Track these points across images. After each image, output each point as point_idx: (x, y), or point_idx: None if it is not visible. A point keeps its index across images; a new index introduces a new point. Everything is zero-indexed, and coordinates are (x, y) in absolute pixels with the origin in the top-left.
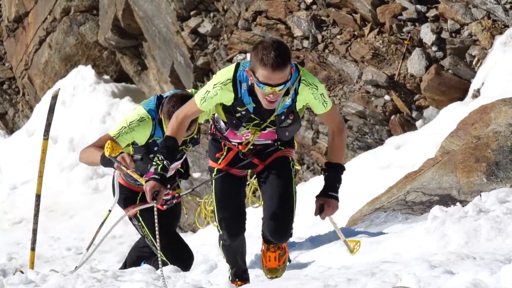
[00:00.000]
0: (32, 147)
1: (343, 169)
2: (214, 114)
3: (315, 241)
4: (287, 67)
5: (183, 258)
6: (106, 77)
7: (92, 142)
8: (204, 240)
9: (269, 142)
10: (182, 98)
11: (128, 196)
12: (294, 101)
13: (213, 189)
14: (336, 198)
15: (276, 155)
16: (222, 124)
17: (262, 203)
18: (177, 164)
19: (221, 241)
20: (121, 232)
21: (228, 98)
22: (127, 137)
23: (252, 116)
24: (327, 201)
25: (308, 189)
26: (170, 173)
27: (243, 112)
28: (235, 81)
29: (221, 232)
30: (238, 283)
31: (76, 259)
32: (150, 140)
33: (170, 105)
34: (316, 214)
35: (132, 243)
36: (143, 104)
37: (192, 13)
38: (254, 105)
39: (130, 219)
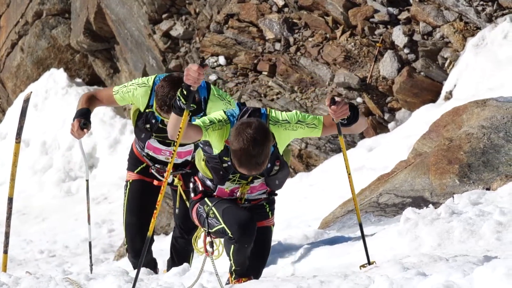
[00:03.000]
0: (4, 150)
1: (357, 108)
2: (198, 173)
3: (288, 244)
4: (265, 165)
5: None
6: (78, 80)
7: (96, 90)
8: None
9: (263, 195)
10: (173, 81)
11: (132, 162)
12: (275, 146)
13: (211, 201)
14: (349, 106)
15: (262, 224)
16: (209, 182)
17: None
18: (185, 152)
19: (232, 246)
20: (93, 235)
21: (220, 136)
22: (124, 96)
23: None
24: (339, 98)
25: (279, 191)
26: (178, 160)
27: (230, 163)
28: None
29: (230, 233)
30: (244, 279)
31: (49, 262)
32: (147, 110)
33: (159, 86)
34: (327, 104)
35: (104, 246)
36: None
37: (164, 16)
38: None
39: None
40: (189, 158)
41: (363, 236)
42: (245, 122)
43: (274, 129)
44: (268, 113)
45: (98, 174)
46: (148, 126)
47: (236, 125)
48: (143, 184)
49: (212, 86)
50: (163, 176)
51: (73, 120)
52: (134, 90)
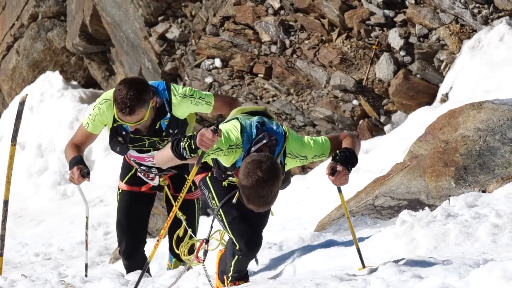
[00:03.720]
0: None
1: (355, 154)
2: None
3: (283, 246)
4: (274, 202)
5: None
6: (74, 82)
7: (72, 139)
8: None
9: None
10: (129, 83)
11: (123, 169)
12: (282, 164)
13: (217, 195)
14: (347, 169)
15: None
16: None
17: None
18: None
19: (236, 256)
20: (89, 237)
21: (227, 159)
22: (94, 123)
23: None
24: (341, 167)
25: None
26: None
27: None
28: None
29: (237, 247)
30: (240, 282)
31: (44, 265)
32: (115, 124)
33: (116, 90)
34: (327, 173)
35: (100, 249)
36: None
37: (159, 18)
38: None
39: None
40: None
41: (359, 254)
42: (256, 160)
43: (288, 161)
44: (286, 140)
45: (94, 177)
46: (120, 139)
47: (246, 161)
48: (131, 196)
49: (172, 86)
50: (148, 178)
51: (71, 168)
52: (98, 110)
